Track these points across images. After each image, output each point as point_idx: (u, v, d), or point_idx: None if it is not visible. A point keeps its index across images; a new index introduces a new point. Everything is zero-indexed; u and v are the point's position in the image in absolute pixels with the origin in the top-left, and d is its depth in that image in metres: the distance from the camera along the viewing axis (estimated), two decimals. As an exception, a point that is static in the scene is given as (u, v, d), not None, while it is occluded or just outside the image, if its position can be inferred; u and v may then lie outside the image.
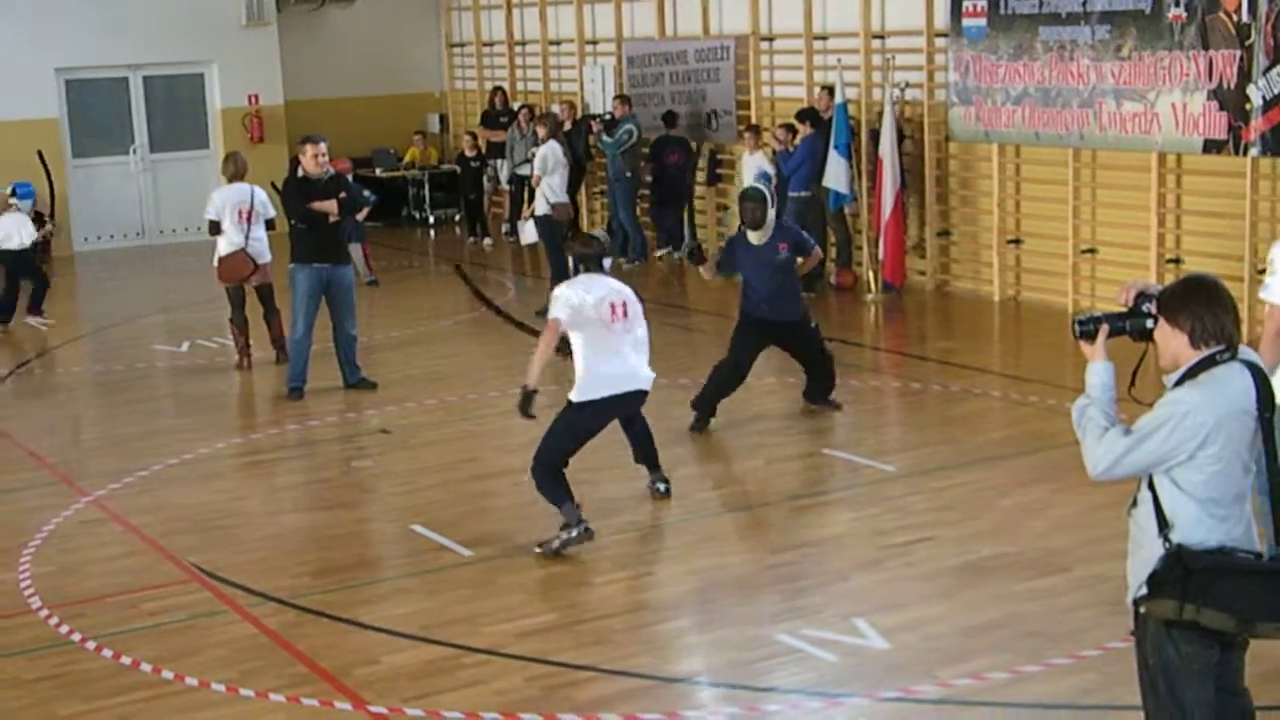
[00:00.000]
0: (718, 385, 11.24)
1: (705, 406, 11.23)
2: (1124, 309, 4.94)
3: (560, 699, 6.80)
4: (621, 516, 9.30)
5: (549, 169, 15.26)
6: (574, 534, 8.59)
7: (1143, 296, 4.93)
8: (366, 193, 13.53)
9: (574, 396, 8.85)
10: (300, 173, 12.51)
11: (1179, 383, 4.84)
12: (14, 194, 17.65)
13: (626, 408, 9.11)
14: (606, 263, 9.11)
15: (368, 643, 7.59)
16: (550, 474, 8.76)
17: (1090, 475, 4.88)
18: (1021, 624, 7.41)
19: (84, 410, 13.19)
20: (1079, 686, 6.65)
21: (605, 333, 8.78)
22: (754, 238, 11.17)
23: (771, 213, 11.16)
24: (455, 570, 8.56)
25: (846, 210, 16.41)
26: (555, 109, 20.01)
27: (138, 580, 8.58)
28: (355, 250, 15.86)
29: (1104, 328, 4.91)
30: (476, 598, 8.11)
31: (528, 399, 8.76)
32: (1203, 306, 4.81)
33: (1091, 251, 14.77)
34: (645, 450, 9.58)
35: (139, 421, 12.32)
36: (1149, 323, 4.88)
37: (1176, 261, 13.93)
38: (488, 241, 21.15)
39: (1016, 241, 15.65)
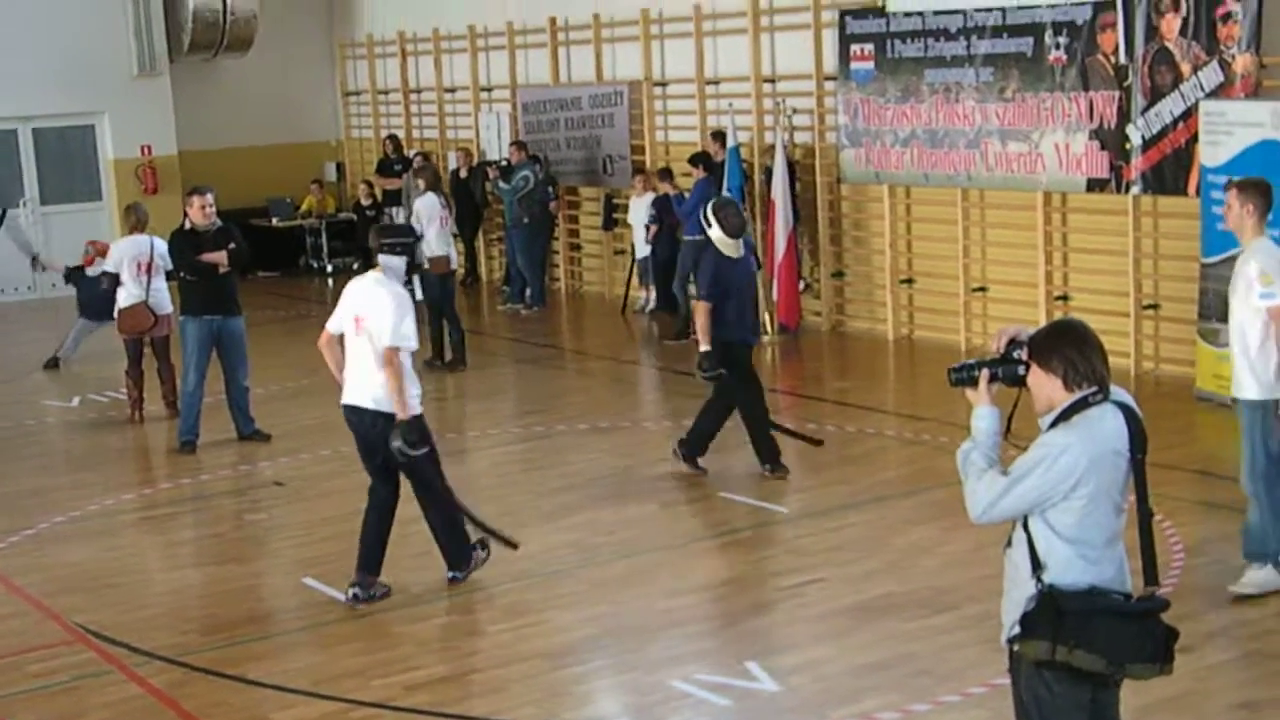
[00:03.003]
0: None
1: (694, 449, 10.85)
2: (997, 356, 5.00)
3: (452, 751, 6.75)
4: (517, 564, 9.25)
5: (425, 222, 15.05)
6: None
7: (1014, 344, 4.99)
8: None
9: None
10: (188, 224, 12.42)
11: (1053, 425, 4.89)
12: None
13: (350, 423, 8.80)
14: (396, 262, 8.70)
15: (256, 699, 7.49)
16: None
17: (971, 518, 4.91)
18: (911, 663, 7.45)
19: (-31, 469, 12.93)
20: (966, 723, 6.71)
21: (349, 340, 8.66)
22: (731, 250, 10.53)
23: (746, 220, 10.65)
24: (347, 623, 8.48)
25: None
26: (453, 156, 20.00)
27: (21, 642, 8.43)
28: None
29: (983, 373, 4.95)
30: (368, 650, 8.05)
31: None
32: (1073, 349, 4.85)
33: (982, 290, 14.98)
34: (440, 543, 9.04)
35: (28, 479, 12.11)
36: (1020, 369, 4.93)
37: (1064, 299, 14.17)
38: (385, 289, 21.02)
39: (909, 281, 15.83)
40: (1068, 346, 4.86)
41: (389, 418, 8.45)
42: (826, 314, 16.51)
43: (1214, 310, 12.30)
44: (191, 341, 12.31)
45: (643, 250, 17.90)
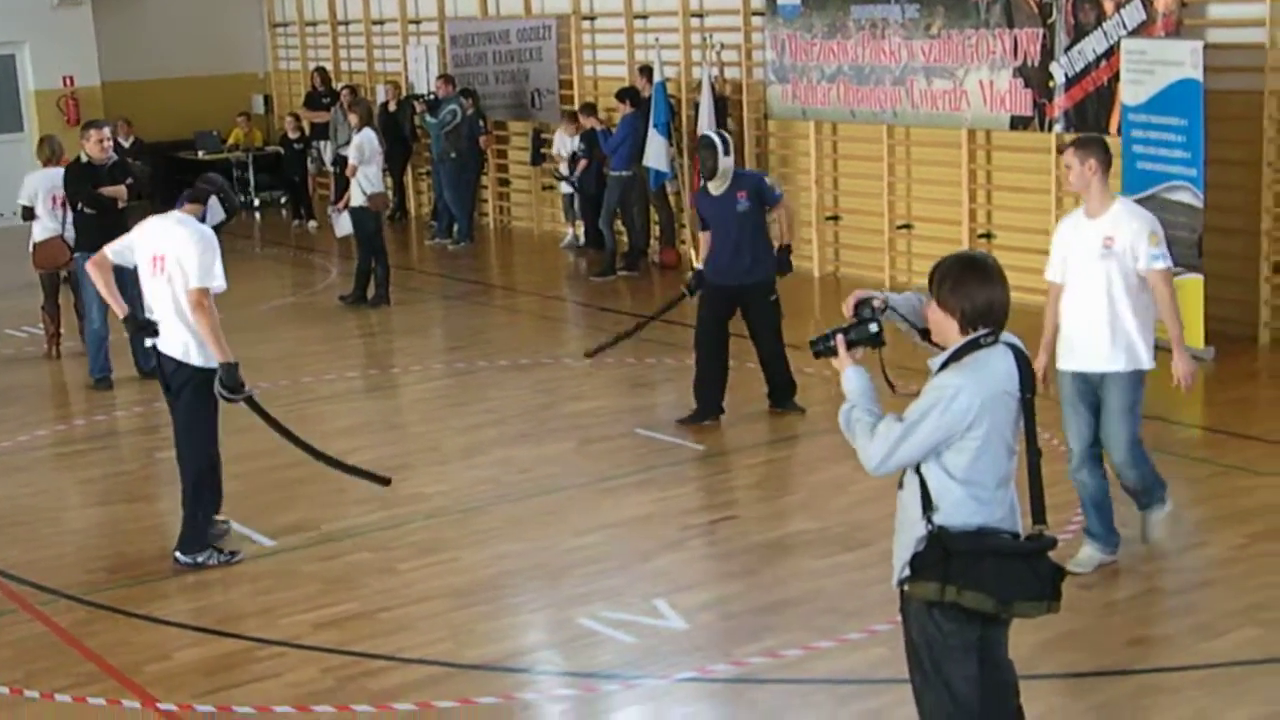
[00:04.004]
0: (700, 377, 10.62)
1: (703, 403, 10.61)
2: (850, 322, 4.99)
3: (355, 689, 6.72)
4: (430, 503, 9.23)
5: (365, 158, 14.95)
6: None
7: (864, 305, 4.99)
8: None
9: None
10: (85, 158, 12.23)
11: (943, 366, 4.87)
12: None
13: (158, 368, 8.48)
14: (211, 211, 8.38)
15: (161, 638, 7.43)
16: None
17: (869, 470, 4.88)
18: (819, 599, 7.48)
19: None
20: (870, 660, 6.73)
21: (145, 281, 8.35)
22: (713, 188, 10.44)
23: (727, 160, 10.35)
24: (256, 561, 8.42)
25: (668, 189, 16.46)
26: (381, 90, 19.79)
27: (-75, 581, 8.32)
28: None
29: (840, 338, 4.95)
30: (276, 589, 8.00)
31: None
32: (976, 287, 4.79)
33: (907, 227, 14.99)
34: None
35: (-62, 415, 11.94)
36: (872, 327, 4.94)
37: (988, 237, 14.20)
38: (312, 224, 20.85)
39: (835, 218, 15.81)
40: (971, 285, 4.80)
41: (192, 369, 8.20)
42: (753, 251, 16.47)
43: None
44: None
45: (567, 186, 17.80)
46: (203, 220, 8.35)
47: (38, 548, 8.81)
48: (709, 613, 7.39)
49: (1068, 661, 6.62)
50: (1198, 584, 7.62)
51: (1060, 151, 7.56)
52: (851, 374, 4.95)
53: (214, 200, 8.44)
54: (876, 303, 5.00)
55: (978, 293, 4.79)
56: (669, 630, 7.21)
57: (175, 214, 8.41)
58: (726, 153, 10.41)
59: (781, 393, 10.75)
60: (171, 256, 8.16)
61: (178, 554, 8.38)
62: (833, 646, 6.92)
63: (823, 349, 5.00)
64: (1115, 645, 6.82)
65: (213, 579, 8.22)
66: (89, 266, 8.66)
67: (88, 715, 6.65)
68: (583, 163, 16.98)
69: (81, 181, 12.21)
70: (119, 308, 8.50)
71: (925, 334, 5.01)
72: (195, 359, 8.19)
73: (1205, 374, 11.48)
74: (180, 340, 8.20)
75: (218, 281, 8.18)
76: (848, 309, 5.01)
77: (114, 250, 8.50)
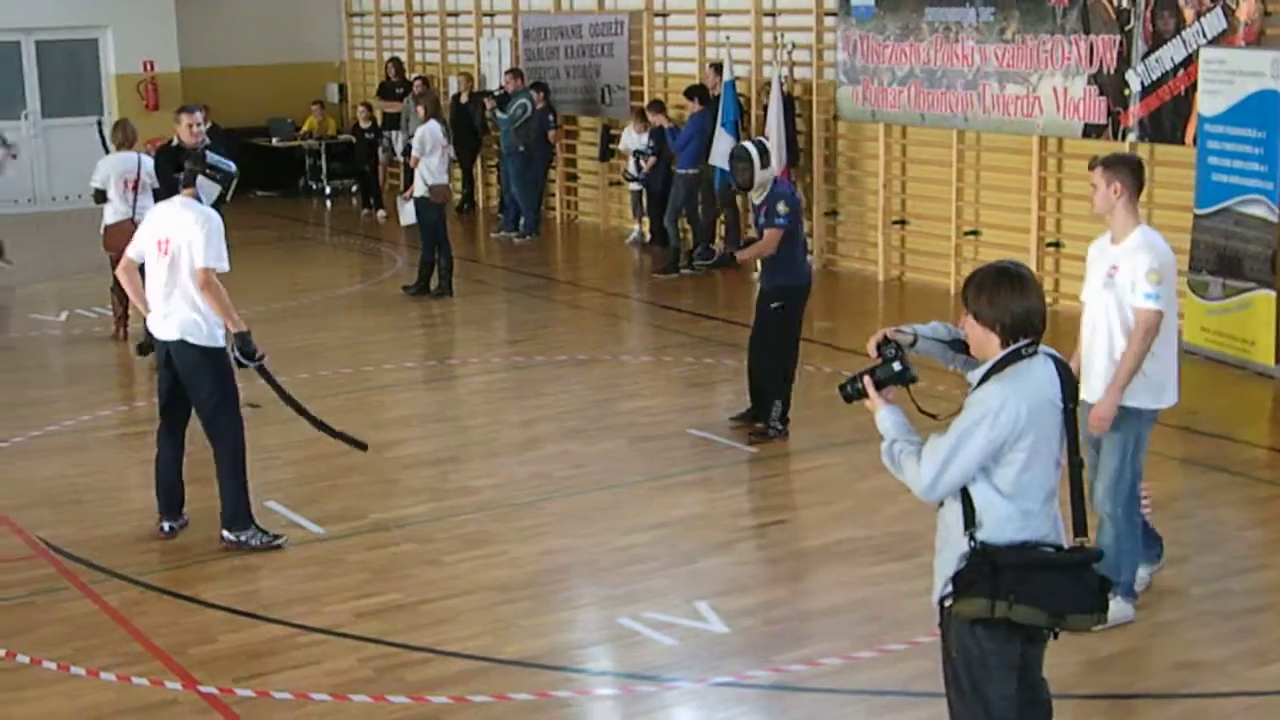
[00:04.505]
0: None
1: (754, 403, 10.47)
2: (875, 362, 4.94)
3: (392, 680, 6.73)
4: (479, 496, 9.24)
5: (427, 150, 15.02)
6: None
7: (886, 344, 4.94)
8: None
9: None
10: (175, 142, 12.32)
11: (983, 379, 4.81)
12: None
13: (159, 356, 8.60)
14: (204, 189, 8.42)
15: (206, 621, 7.49)
16: None
17: (920, 495, 4.81)
18: (863, 609, 7.42)
19: (-50, 381, 12.92)
20: (909, 673, 6.66)
21: (149, 265, 8.43)
22: (754, 197, 10.31)
23: (765, 172, 10.11)
24: (304, 548, 8.47)
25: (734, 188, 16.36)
26: (454, 82, 19.83)
27: (-17, 555, 8.44)
28: None
29: (867, 379, 4.92)
30: (322, 576, 8.04)
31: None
32: (1014, 298, 4.74)
33: (974, 233, 14.85)
34: None
35: (4, 392, 12.09)
36: (896, 366, 4.90)
37: (1056, 245, 14.05)
38: (381, 213, 20.94)
39: (902, 222, 15.70)
40: (1008, 296, 4.75)
41: (200, 350, 8.29)
42: (818, 253, 16.36)
43: (1205, 262, 12.19)
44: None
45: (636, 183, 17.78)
46: (199, 201, 8.42)
47: (93, 526, 8.90)
48: (751, 617, 7.35)
49: (1112, 683, 6.53)
50: (1253, 608, 7.46)
51: (1091, 168, 7.05)
52: (885, 414, 4.92)
53: (201, 179, 8.47)
54: (905, 338, 4.95)
55: (1016, 304, 4.73)
56: (709, 633, 7.18)
57: (178, 199, 8.49)
58: (764, 164, 10.13)
59: (752, 399, 10.47)
60: (176, 240, 8.25)
61: (225, 533, 8.48)
62: (873, 656, 6.86)
63: (851, 392, 4.98)
64: (1162, 668, 6.71)
65: (261, 564, 8.27)
66: (119, 273, 8.76)
67: (130, 694, 6.70)
68: (651, 160, 16.94)
69: (169, 166, 12.29)
70: (146, 309, 8.58)
71: (964, 347, 4.96)
72: (201, 339, 8.29)
73: (1276, 393, 11.31)
74: (182, 323, 8.28)
75: (223, 263, 8.27)
76: (871, 349, 4.96)
77: (135, 251, 8.59)
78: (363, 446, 9.07)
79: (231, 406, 8.51)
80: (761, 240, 10.18)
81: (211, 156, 8.66)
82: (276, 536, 8.50)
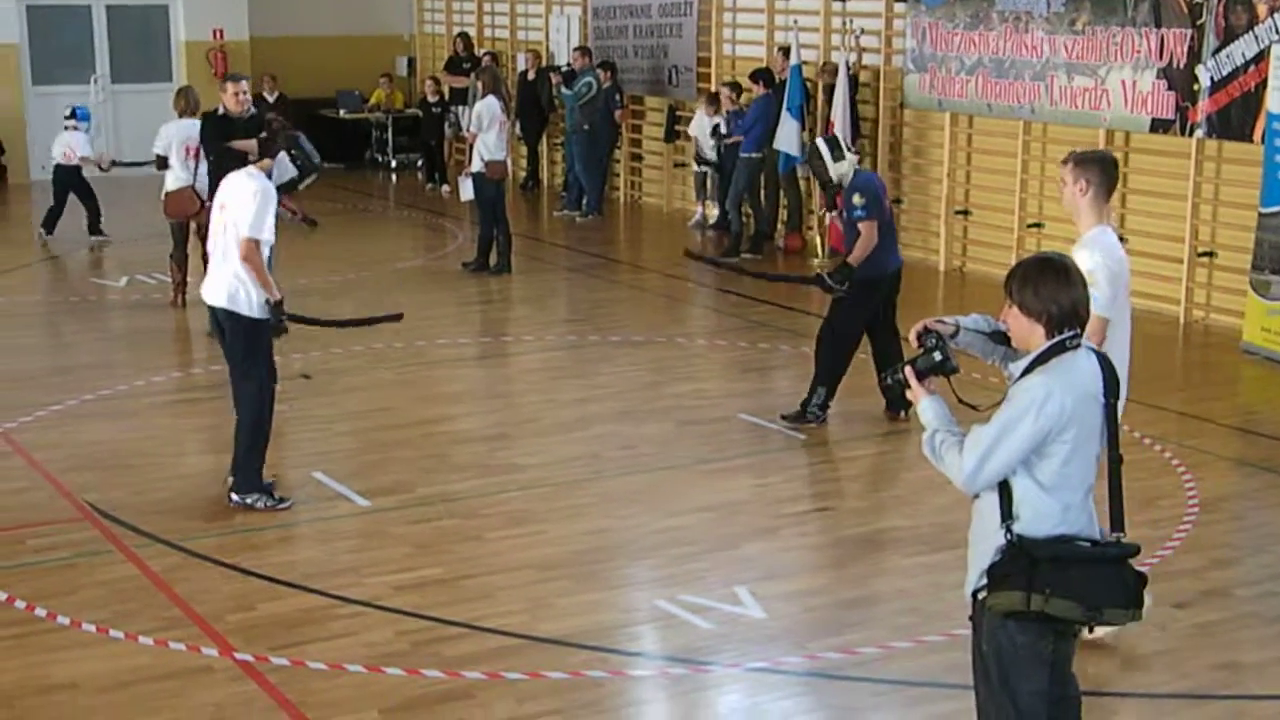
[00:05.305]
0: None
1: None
2: (917, 353, 4.93)
3: (428, 654, 6.74)
4: (525, 474, 9.24)
5: (484, 126, 14.95)
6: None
7: (927, 334, 4.91)
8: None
9: None
10: (221, 111, 12.38)
11: (1027, 370, 4.76)
12: (73, 115, 17.55)
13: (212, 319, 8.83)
14: (280, 167, 8.61)
15: (247, 589, 7.52)
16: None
17: (962, 486, 4.76)
18: (903, 599, 7.36)
19: (7, 341, 13.01)
20: (945, 664, 6.58)
21: (213, 232, 8.64)
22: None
23: (838, 166, 9.92)
24: (348, 520, 8.49)
25: (799, 172, 16.29)
26: (521, 58, 19.81)
27: (29, 516, 8.51)
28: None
29: (909, 370, 4.90)
30: (364, 548, 8.06)
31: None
32: (1060, 289, 4.70)
33: (1037, 226, 14.69)
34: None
35: (61, 355, 12.25)
36: (937, 355, 4.87)
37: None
38: (445, 188, 20.98)
39: (965, 212, 15.56)
40: (1054, 287, 4.70)
41: (239, 318, 8.43)
42: (880, 241, 16.25)
43: (1268, 261, 12.01)
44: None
45: (703, 166, 17.70)
46: (270, 177, 8.52)
47: (141, 491, 8.96)
48: (790, 604, 7.31)
49: (1148, 682, 6.45)
50: (1300, 612, 7.36)
51: (1063, 164, 6.72)
52: (927, 404, 4.89)
53: (283, 156, 8.62)
54: (946, 328, 4.92)
55: (1062, 295, 4.69)
56: (747, 619, 7.14)
57: (250, 168, 8.66)
58: (837, 158, 9.97)
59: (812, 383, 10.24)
60: (231, 205, 8.43)
61: (232, 494, 8.60)
62: (910, 647, 6.80)
63: (892, 382, 4.98)
64: (1201, 669, 6.61)
65: (304, 535, 8.32)
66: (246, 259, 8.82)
67: (166, 659, 6.74)
68: (734, 138, 16.58)
69: (216, 133, 12.36)
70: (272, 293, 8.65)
71: (1004, 339, 4.91)
72: (241, 308, 8.42)
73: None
74: (227, 288, 8.42)
75: (267, 234, 8.41)
76: (912, 339, 4.97)
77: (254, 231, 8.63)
78: (397, 317, 9.70)
79: (258, 377, 8.58)
80: (861, 237, 9.89)
81: (304, 141, 8.79)
82: (282, 499, 8.61)
